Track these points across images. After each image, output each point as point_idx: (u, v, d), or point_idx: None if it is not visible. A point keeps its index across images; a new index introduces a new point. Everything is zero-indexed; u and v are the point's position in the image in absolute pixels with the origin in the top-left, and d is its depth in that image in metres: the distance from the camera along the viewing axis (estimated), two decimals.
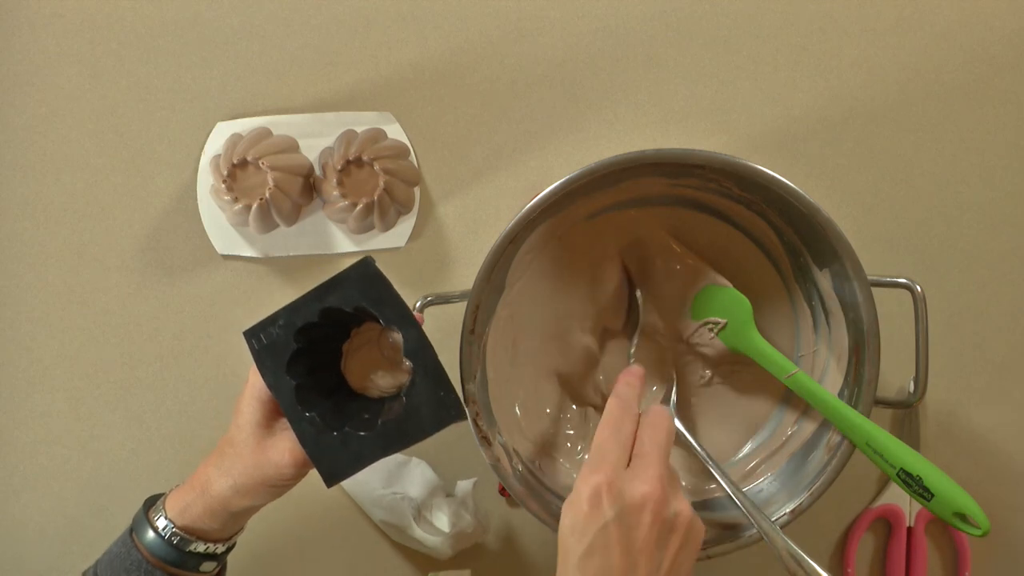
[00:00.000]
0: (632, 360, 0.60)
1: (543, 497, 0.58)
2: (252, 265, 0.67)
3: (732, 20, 0.67)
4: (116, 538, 0.52)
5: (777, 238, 0.61)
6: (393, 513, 0.64)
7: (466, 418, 0.48)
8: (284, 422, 0.49)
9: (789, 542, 0.53)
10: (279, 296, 0.67)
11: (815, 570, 0.51)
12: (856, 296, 0.56)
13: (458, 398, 0.48)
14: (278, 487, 0.50)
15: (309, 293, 0.49)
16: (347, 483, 0.66)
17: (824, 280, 0.59)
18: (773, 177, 0.55)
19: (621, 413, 0.47)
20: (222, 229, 0.66)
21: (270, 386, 0.49)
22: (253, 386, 0.50)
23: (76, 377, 0.67)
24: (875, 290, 0.56)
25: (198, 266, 0.67)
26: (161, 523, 0.50)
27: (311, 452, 0.48)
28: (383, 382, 0.52)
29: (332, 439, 0.48)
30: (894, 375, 0.65)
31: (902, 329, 0.59)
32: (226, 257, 0.67)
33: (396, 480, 0.64)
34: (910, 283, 0.57)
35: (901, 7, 0.68)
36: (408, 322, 0.48)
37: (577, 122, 0.68)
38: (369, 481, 0.65)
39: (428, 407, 0.48)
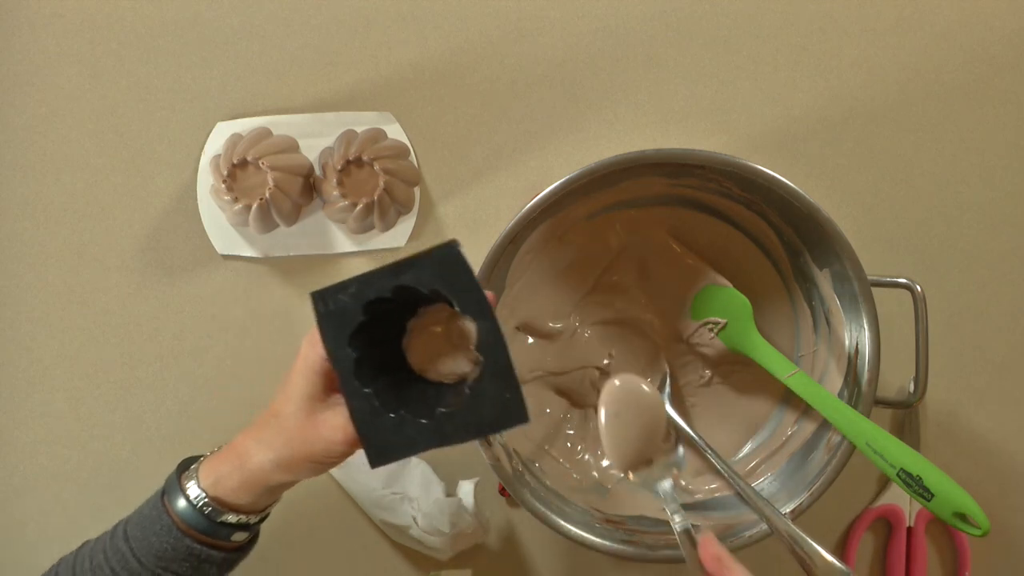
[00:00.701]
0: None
1: (543, 497, 0.58)
2: (252, 265, 0.67)
3: (732, 20, 0.67)
4: (148, 497, 0.51)
5: (777, 238, 0.61)
6: (393, 513, 0.64)
7: (528, 421, 0.45)
8: (337, 398, 0.47)
9: (790, 523, 0.53)
10: (279, 296, 0.67)
11: (815, 550, 0.51)
12: (856, 296, 0.56)
13: (523, 401, 0.45)
14: (323, 464, 0.47)
15: (385, 267, 0.46)
16: (347, 483, 0.66)
17: (824, 280, 0.59)
18: (773, 177, 0.55)
19: None
20: (222, 229, 0.66)
21: (330, 354, 0.46)
22: (306, 358, 0.47)
23: (76, 377, 0.67)
24: (875, 290, 0.56)
25: (198, 266, 0.67)
26: (193, 491, 0.48)
27: (362, 430, 0.45)
28: (445, 367, 0.50)
29: (387, 420, 0.45)
30: (894, 375, 0.65)
31: (902, 329, 0.59)
32: (226, 257, 0.67)
33: (396, 480, 0.64)
34: (910, 283, 0.57)
35: (901, 7, 0.68)
36: (485, 314, 0.45)
37: (577, 122, 0.68)
38: (369, 481, 0.65)
39: (492, 406, 0.45)
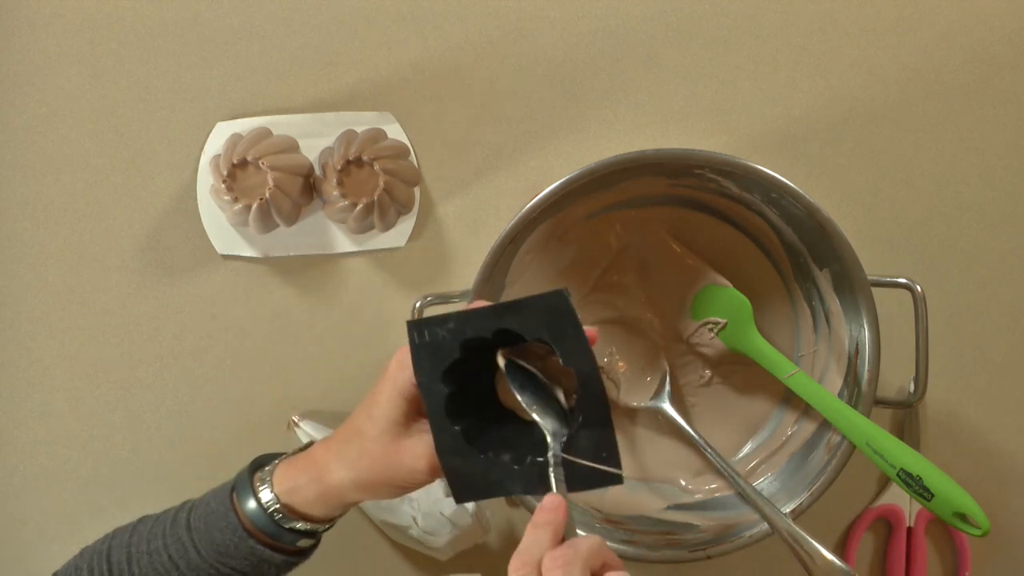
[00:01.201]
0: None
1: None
2: (252, 265, 0.67)
3: (732, 20, 0.67)
4: (215, 488, 0.50)
5: (777, 238, 0.61)
6: (393, 513, 0.64)
7: (622, 483, 0.44)
8: (423, 424, 0.46)
9: (790, 522, 0.53)
10: (279, 296, 0.67)
11: (816, 549, 0.51)
12: (856, 296, 0.56)
13: (619, 462, 0.44)
14: (404, 489, 0.47)
15: (487, 307, 0.45)
16: None
17: (824, 280, 0.59)
18: (773, 177, 0.55)
19: (537, 529, 0.41)
20: (222, 229, 0.66)
21: (421, 387, 0.45)
22: (395, 381, 0.46)
23: (76, 377, 0.67)
24: (875, 290, 0.56)
25: (198, 266, 0.67)
26: (265, 496, 0.48)
27: (448, 467, 0.45)
28: None
29: (475, 460, 0.45)
30: (894, 375, 0.65)
31: (902, 329, 0.59)
32: (226, 257, 0.67)
33: None
34: (910, 283, 0.57)
35: (901, 7, 0.68)
36: (588, 367, 0.44)
37: (577, 122, 0.68)
38: None
39: (585, 463, 0.44)
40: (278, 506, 0.48)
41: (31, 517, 0.67)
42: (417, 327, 0.45)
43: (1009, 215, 0.68)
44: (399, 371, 0.46)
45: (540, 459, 0.44)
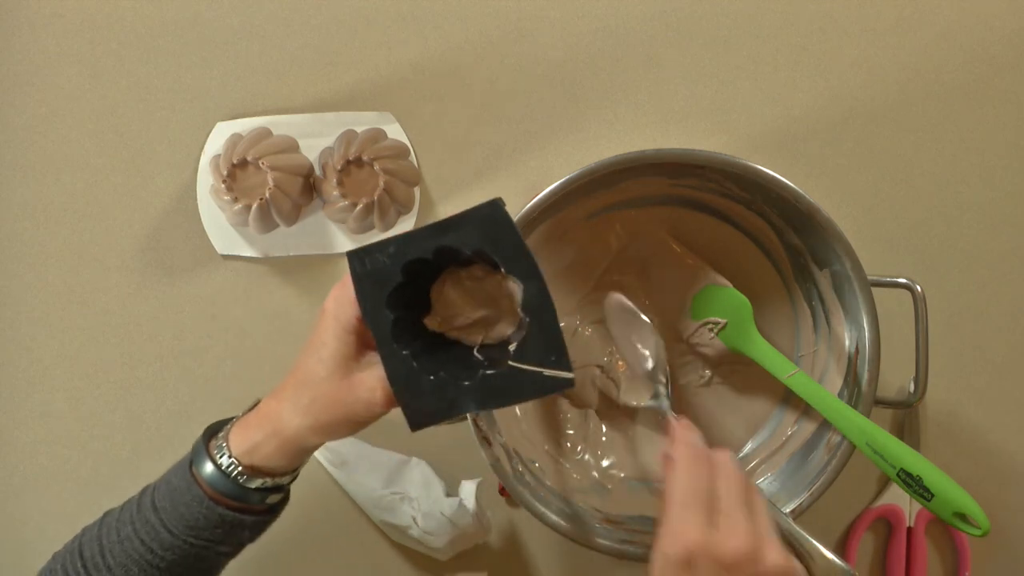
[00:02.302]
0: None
1: (543, 497, 0.58)
2: (252, 265, 0.67)
3: (732, 20, 0.67)
4: (173, 466, 0.50)
5: (777, 238, 0.61)
6: (393, 513, 0.64)
7: (573, 386, 0.45)
8: (373, 356, 0.46)
9: (790, 522, 0.53)
10: (279, 296, 0.67)
11: (816, 549, 0.51)
12: (856, 296, 0.56)
13: (569, 364, 0.44)
14: (364, 423, 0.47)
15: (426, 227, 0.45)
16: (347, 483, 0.66)
17: (824, 280, 0.59)
18: (773, 177, 0.55)
19: (696, 463, 0.45)
20: (222, 229, 0.66)
21: (366, 314, 0.45)
22: (337, 318, 0.45)
23: (76, 377, 0.67)
24: (875, 290, 0.56)
25: (198, 266, 0.67)
26: (224, 461, 0.47)
27: (400, 393, 0.45)
28: (490, 330, 0.48)
29: (426, 383, 0.45)
30: (894, 375, 0.65)
31: (902, 329, 0.59)
32: (226, 257, 0.67)
33: (396, 480, 0.64)
34: (910, 283, 0.57)
35: (901, 7, 0.68)
36: (531, 274, 0.44)
37: (577, 122, 0.68)
38: (369, 481, 0.65)
39: (536, 369, 0.44)
40: (240, 468, 0.47)
41: (31, 517, 0.67)
42: (359, 256, 0.45)
43: (1009, 215, 0.68)
44: (339, 308, 0.46)
45: (491, 371, 0.45)
